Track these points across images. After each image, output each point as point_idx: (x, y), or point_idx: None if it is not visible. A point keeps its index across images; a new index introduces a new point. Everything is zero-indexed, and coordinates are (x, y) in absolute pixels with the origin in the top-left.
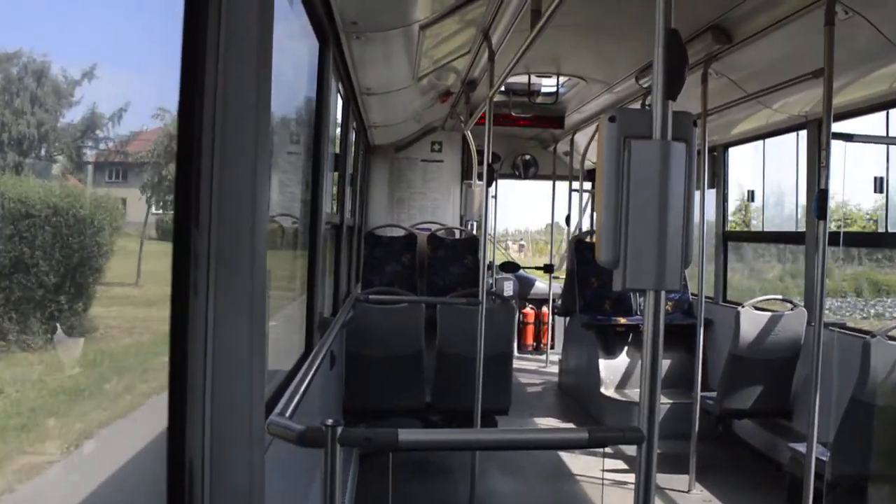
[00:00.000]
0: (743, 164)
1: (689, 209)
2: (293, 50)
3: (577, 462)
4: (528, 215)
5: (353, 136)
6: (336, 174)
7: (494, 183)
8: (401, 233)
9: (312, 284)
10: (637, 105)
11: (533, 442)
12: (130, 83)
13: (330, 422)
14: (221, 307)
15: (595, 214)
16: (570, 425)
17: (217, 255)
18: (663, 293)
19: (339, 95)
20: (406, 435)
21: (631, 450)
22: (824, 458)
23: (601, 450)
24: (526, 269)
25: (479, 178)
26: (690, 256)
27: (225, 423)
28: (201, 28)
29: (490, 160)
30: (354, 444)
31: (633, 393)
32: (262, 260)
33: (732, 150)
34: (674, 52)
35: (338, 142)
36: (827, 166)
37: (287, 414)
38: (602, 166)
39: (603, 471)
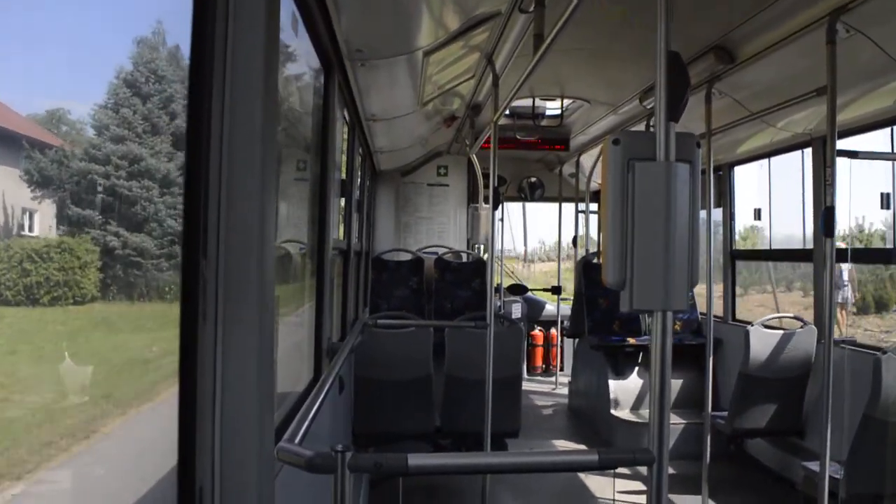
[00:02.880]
0: (749, 182)
1: (694, 230)
2: (299, 78)
3: (588, 484)
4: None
5: (358, 162)
6: (343, 200)
7: (501, 206)
8: (408, 257)
9: (320, 310)
10: (641, 126)
11: (543, 465)
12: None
13: (340, 447)
14: (230, 335)
15: (601, 236)
16: (582, 447)
17: (225, 284)
18: (670, 314)
19: (344, 122)
20: (416, 460)
21: (644, 470)
22: (838, 477)
23: (612, 471)
24: (534, 292)
25: (486, 201)
26: (696, 277)
27: (235, 451)
28: (207, 61)
29: (496, 183)
30: (364, 469)
31: (644, 414)
32: (270, 288)
33: (739, 169)
34: (675, 75)
35: (344, 168)
36: (832, 184)
37: (296, 440)
38: (607, 189)
39: (614, 493)
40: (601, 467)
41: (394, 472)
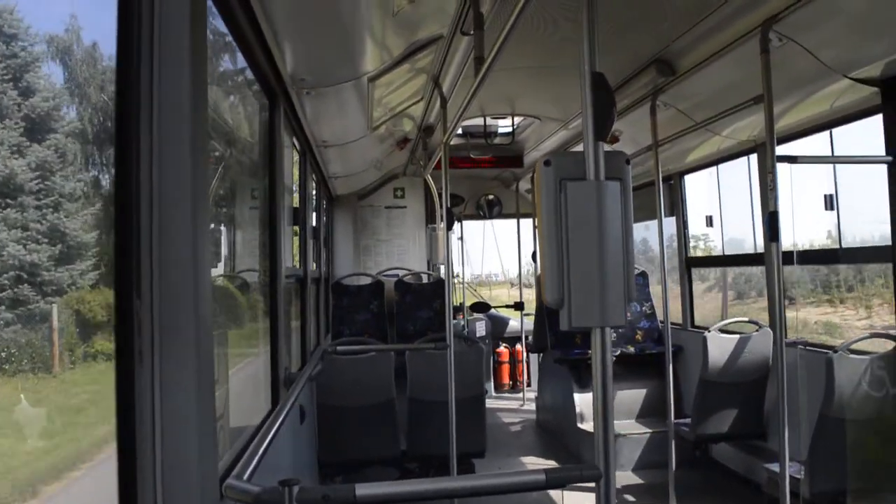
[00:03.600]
0: (701, 190)
1: (627, 245)
2: (243, 109)
3: (558, 499)
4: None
5: (312, 188)
6: (297, 227)
7: (459, 225)
8: (368, 281)
9: (275, 340)
10: None
11: (490, 487)
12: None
13: (288, 481)
14: (168, 374)
15: (538, 256)
16: (550, 463)
17: (161, 324)
18: (609, 329)
19: (294, 149)
20: (364, 489)
21: (620, 480)
22: (800, 476)
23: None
24: (497, 308)
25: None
26: (632, 292)
27: (177, 491)
28: (132, 97)
29: (449, 204)
30: (312, 502)
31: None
32: (207, 325)
33: (690, 177)
34: (600, 95)
35: (297, 195)
36: (774, 189)
37: (245, 475)
38: (541, 209)
39: None
40: (549, 486)
41: None
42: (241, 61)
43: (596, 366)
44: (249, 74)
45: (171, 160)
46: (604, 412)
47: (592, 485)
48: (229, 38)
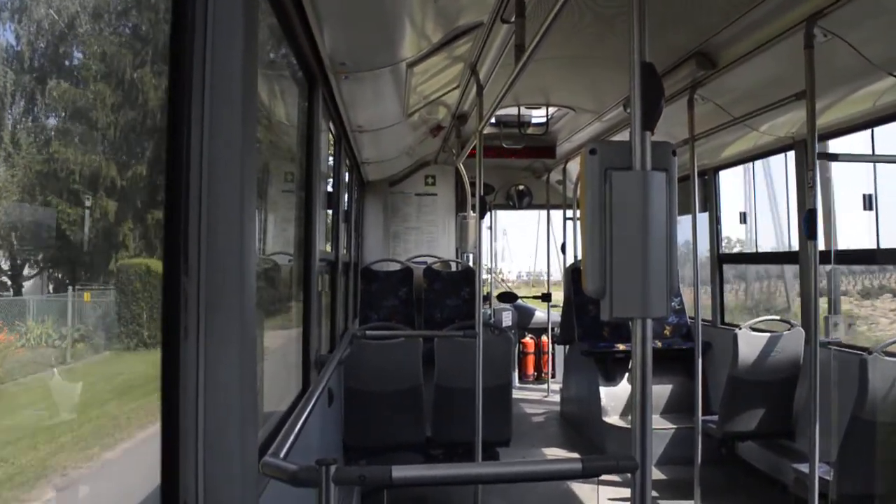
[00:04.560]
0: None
1: (671, 237)
2: (283, 92)
3: (580, 491)
4: None
5: (345, 173)
6: (330, 211)
7: (489, 214)
8: (397, 267)
9: (307, 322)
10: (626, 132)
11: (526, 474)
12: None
13: (324, 460)
14: (212, 350)
15: (580, 245)
16: (574, 455)
17: (206, 300)
18: (650, 321)
19: (330, 134)
20: (400, 472)
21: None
22: (828, 478)
23: (601, 478)
24: (524, 299)
25: (474, 209)
26: (675, 284)
27: (218, 465)
28: (185, 74)
29: (482, 192)
30: (349, 482)
31: None
32: (251, 303)
33: (724, 173)
34: (649, 85)
35: (330, 180)
36: (814, 186)
37: (282, 454)
38: (585, 198)
39: (598, 500)
40: (585, 475)
41: (378, 484)
42: (284, 44)
43: (636, 357)
44: (291, 57)
45: (220, 140)
46: (642, 403)
47: (619, 478)
48: (274, 21)
